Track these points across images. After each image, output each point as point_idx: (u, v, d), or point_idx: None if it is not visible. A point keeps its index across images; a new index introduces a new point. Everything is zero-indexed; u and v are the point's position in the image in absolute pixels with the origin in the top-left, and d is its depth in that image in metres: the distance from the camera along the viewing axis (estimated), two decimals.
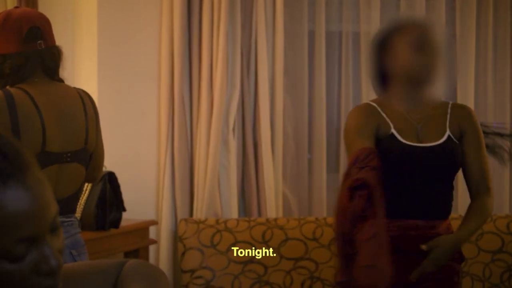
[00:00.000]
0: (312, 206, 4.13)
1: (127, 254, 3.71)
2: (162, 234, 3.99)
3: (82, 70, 4.04)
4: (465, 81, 4.18)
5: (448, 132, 2.70)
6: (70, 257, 2.62)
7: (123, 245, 3.65)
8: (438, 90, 2.79)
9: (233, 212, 3.99)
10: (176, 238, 3.97)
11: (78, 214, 3.38)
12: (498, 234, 3.80)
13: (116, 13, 4.08)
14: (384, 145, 2.69)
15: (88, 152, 2.72)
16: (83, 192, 3.42)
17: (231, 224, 3.79)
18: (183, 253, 3.75)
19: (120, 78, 4.09)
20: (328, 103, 4.17)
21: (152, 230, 3.95)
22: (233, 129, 4.01)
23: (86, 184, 3.42)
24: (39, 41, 2.60)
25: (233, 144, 3.99)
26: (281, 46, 4.03)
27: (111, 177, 3.49)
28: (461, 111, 2.77)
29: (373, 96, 4.02)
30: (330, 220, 3.72)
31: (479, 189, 2.73)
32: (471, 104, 4.15)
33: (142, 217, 3.96)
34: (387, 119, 2.71)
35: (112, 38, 4.07)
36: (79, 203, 3.39)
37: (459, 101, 4.17)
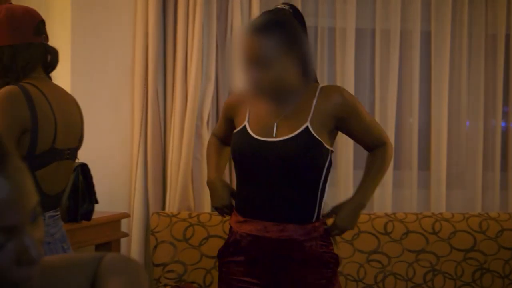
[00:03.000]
0: None
1: (99, 247, 3.68)
2: (134, 227, 3.96)
3: None
4: (439, 79, 4.19)
5: (307, 124, 2.57)
6: (62, 250, 2.63)
7: (94, 237, 3.62)
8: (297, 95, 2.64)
9: (206, 206, 3.97)
10: (148, 231, 3.94)
11: None
12: (470, 232, 3.81)
13: (90, 4, 4.03)
14: (235, 139, 2.69)
15: (78, 150, 2.78)
16: None
17: (204, 218, 3.77)
18: (155, 247, 3.72)
19: (94, 70, 4.05)
20: None
21: (124, 223, 3.93)
22: (207, 123, 3.99)
23: None
24: (43, 36, 2.61)
25: (207, 137, 3.97)
26: None
27: (84, 169, 3.45)
28: (329, 98, 2.61)
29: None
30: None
31: (373, 147, 2.72)
32: (444, 103, 4.17)
33: (114, 210, 3.93)
34: (247, 112, 2.68)
35: (86, 30, 4.03)
36: None
37: (434, 99, 4.18)
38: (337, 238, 2.78)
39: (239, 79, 3.78)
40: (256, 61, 2.51)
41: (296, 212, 2.60)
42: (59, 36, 3.99)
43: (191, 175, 3.96)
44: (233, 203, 2.78)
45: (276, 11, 2.61)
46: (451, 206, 4.20)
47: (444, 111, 4.17)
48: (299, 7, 4.08)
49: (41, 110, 2.52)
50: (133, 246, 3.95)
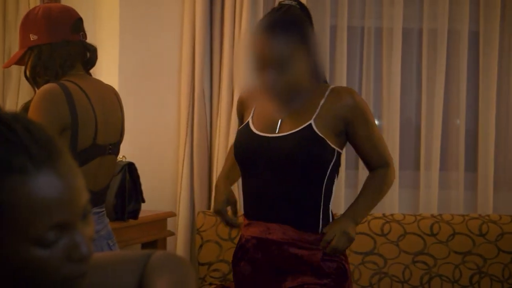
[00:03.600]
0: None
1: (145, 245, 3.71)
2: (180, 226, 3.99)
3: (103, 63, 4.03)
4: (487, 80, 4.14)
5: (310, 122, 2.51)
6: (107, 248, 2.63)
7: (141, 236, 3.65)
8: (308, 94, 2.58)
9: None
10: (194, 230, 3.97)
11: None
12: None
13: (138, 6, 4.07)
14: (238, 136, 2.64)
15: (120, 144, 2.77)
16: None
17: None
18: (201, 246, 3.74)
19: (141, 70, 4.09)
20: None
21: (170, 221, 3.95)
22: None
23: None
24: (81, 33, 2.62)
25: None
26: None
27: (131, 168, 3.49)
28: (339, 99, 2.54)
29: (394, 92, 4.03)
30: None
31: (376, 165, 2.62)
32: (492, 104, 4.12)
33: (161, 209, 3.96)
34: (252, 109, 2.63)
35: (134, 31, 4.06)
36: None
37: (481, 100, 4.13)
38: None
39: (250, 79, 3.76)
40: (270, 63, 2.45)
41: (299, 212, 2.53)
42: (107, 37, 4.04)
43: None
44: (229, 211, 2.74)
45: (286, 9, 2.52)
46: (498, 208, 4.15)
47: (492, 112, 4.12)
48: (346, 8, 4.07)
49: (81, 108, 2.51)
50: (179, 245, 3.98)
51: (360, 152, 2.62)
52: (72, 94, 2.50)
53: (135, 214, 3.51)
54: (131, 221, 3.49)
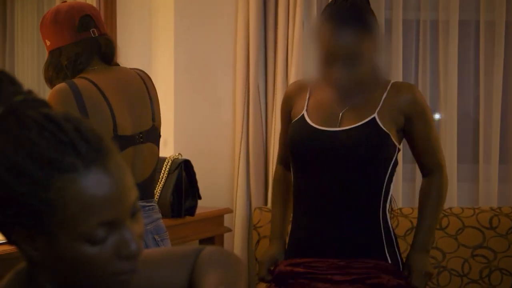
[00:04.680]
0: None
1: (202, 242, 3.74)
2: (237, 222, 4.01)
3: (158, 59, 4.08)
4: None
5: (374, 115, 2.46)
6: (153, 242, 2.65)
7: (198, 232, 3.68)
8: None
9: None
10: (251, 226, 3.98)
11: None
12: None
13: (192, 4, 4.10)
14: (292, 129, 2.56)
15: (157, 130, 2.75)
16: (159, 180, 3.46)
17: None
18: (257, 242, 3.76)
19: (196, 67, 4.12)
20: None
21: (227, 218, 3.97)
22: None
23: (162, 172, 3.46)
24: (92, 29, 2.63)
25: None
26: None
27: (187, 165, 3.52)
28: (400, 93, 2.51)
29: (451, 85, 3.98)
30: (406, 210, 3.67)
31: (429, 166, 2.58)
32: None
33: (217, 205, 3.98)
34: (306, 100, 2.56)
35: (188, 29, 4.09)
36: (155, 191, 3.43)
37: None
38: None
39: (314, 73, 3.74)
40: (341, 57, 2.38)
41: (360, 212, 2.48)
42: (162, 35, 4.08)
43: None
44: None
45: (353, 0, 2.44)
46: None
47: None
48: (400, 1, 4.04)
49: (91, 103, 2.51)
50: (236, 241, 4.00)
51: (415, 149, 2.58)
52: (80, 91, 2.51)
53: (191, 211, 3.54)
54: (188, 218, 3.52)
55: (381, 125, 2.44)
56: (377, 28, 2.46)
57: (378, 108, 2.47)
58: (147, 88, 2.72)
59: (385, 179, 2.49)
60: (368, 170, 2.46)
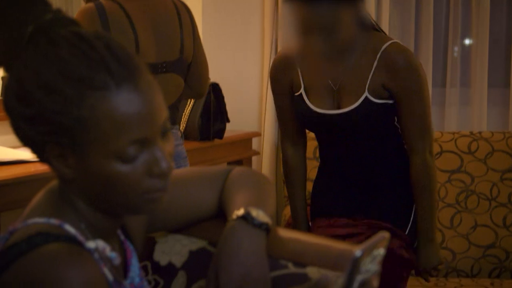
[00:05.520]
0: None
1: (230, 165, 3.76)
2: (265, 145, 4.02)
3: None
4: None
5: (365, 94, 2.40)
6: (176, 167, 2.66)
7: (226, 155, 3.70)
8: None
9: None
10: (278, 149, 3.99)
11: (183, 124, 3.45)
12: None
13: None
14: (295, 106, 2.54)
15: (185, 62, 2.72)
16: (188, 104, 3.47)
17: None
18: None
19: None
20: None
21: (255, 141, 3.99)
22: None
23: None
24: None
25: None
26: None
27: (215, 88, 3.52)
28: (388, 68, 2.40)
29: (483, 9, 3.91)
30: (436, 134, 3.65)
31: (412, 145, 2.49)
32: None
33: (245, 129, 3.99)
34: (300, 75, 2.50)
35: None
36: (184, 114, 3.45)
37: None
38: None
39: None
40: (317, 28, 2.30)
41: (389, 180, 2.53)
42: None
43: None
44: None
45: None
46: None
47: None
48: None
49: (116, 27, 2.50)
50: (264, 164, 4.02)
51: (401, 123, 2.49)
52: (106, 13, 2.49)
53: (220, 133, 3.55)
54: (217, 141, 3.54)
55: (375, 100, 2.40)
56: None
57: (367, 84, 2.40)
58: (179, 19, 2.69)
59: (399, 133, 2.52)
60: (379, 138, 2.49)
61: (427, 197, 2.51)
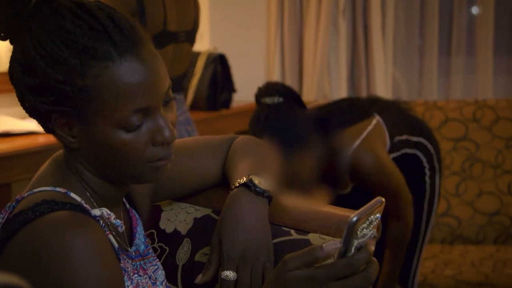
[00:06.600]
0: (423, 89, 4.07)
1: (238, 134, 3.78)
2: None
3: None
4: None
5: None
6: (186, 133, 2.70)
7: (233, 125, 3.72)
8: None
9: (342, 93, 3.99)
10: None
11: (190, 95, 3.47)
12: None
13: None
14: None
15: (196, 33, 2.77)
16: (195, 73, 3.49)
17: None
18: None
19: None
20: None
21: None
22: (343, 12, 3.96)
23: (198, 66, 3.48)
24: None
25: (343, 26, 3.95)
26: None
27: (222, 59, 3.54)
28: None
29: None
30: (440, 103, 3.66)
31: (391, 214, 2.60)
32: None
33: (252, 99, 4.00)
34: None
35: None
36: (191, 84, 3.47)
37: None
38: None
39: None
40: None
41: None
42: None
43: (327, 63, 3.98)
44: None
45: None
46: None
47: None
48: None
49: None
50: None
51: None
52: None
53: (227, 103, 3.57)
54: (224, 111, 3.56)
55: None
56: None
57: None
58: None
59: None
60: None
61: (401, 249, 2.65)
